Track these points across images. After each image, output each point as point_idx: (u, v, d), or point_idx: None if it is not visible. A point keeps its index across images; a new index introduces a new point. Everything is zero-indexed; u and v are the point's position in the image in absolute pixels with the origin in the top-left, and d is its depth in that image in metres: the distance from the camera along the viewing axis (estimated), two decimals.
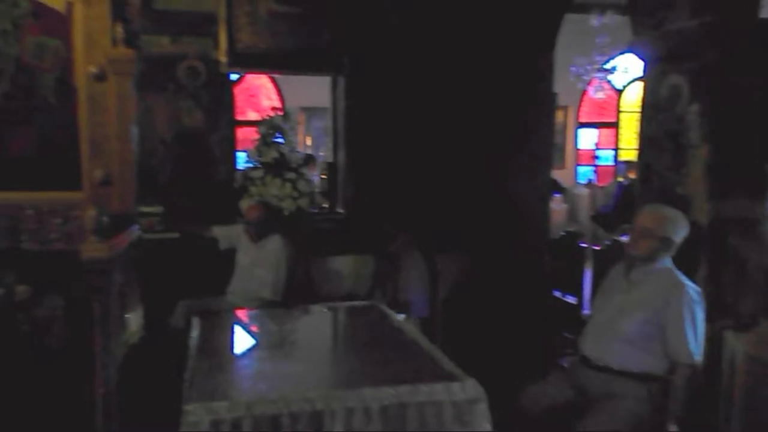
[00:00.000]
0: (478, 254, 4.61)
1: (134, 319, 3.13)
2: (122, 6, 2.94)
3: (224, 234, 4.34)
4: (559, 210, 6.98)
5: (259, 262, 4.15)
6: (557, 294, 4.35)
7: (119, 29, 2.91)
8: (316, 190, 5.37)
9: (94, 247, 2.51)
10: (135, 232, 3.10)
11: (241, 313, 3.67)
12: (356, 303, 3.66)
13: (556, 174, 7.07)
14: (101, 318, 2.58)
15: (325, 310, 3.60)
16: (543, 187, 5.06)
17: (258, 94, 6.96)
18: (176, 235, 4.33)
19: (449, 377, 2.31)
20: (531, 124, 4.87)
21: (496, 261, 4.69)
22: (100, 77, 2.93)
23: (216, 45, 4.58)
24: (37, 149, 3.02)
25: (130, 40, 2.94)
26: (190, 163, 4.74)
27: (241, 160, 5.23)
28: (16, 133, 2.98)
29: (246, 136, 5.91)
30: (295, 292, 4.19)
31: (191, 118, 4.71)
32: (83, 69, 2.94)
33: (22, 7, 2.91)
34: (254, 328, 3.38)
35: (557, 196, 6.98)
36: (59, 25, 2.96)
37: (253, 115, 6.62)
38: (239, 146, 5.08)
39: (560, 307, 4.27)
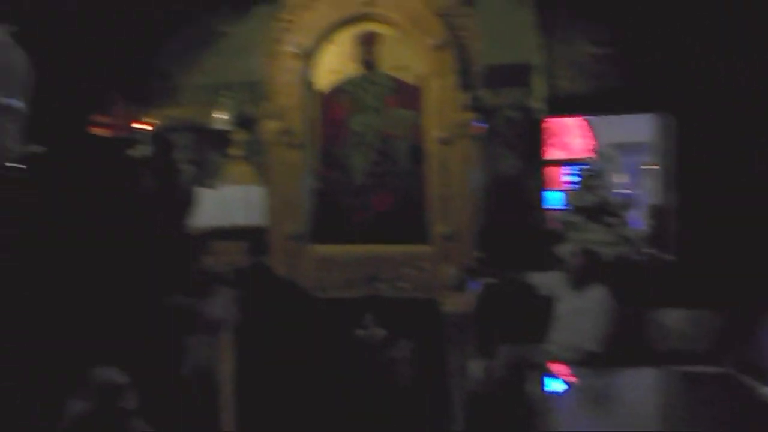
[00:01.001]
0: None
1: (474, 367, 3.36)
2: (468, 74, 3.24)
3: (543, 280, 4.40)
4: None
5: (581, 311, 4.11)
6: None
7: (465, 97, 3.21)
8: (640, 235, 5.13)
9: (453, 302, 2.78)
10: (479, 285, 3.35)
11: (568, 369, 3.66)
12: (703, 369, 3.36)
13: None
14: (456, 367, 2.82)
15: (663, 373, 3.38)
16: None
17: (564, 133, 6.99)
18: (495, 280, 4.53)
19: None
20: None
21: None
22: (448, 141, 3.27)
23: (532, 93, 4.74)
24: (392, 207, 3.48)
25: (475, 105, 3.22)
26: (506, 209, 4.94)
27: (551, 200, 5.27)
28: (377, 193, 3.48)
29: (552, 175, 5.95)
30: (621, 346, 4.04)
31: (506, 165, 4.93)
32: (433, 134, 3.32)
33: (385, 85, 3.43)
34: (584, 386, 3.34)
35: None
36: (413, 97, 3.40)
37: (558, 154, 6.69)
38: (547, 186, 5.14)
39: None
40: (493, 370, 3.97)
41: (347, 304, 3.56)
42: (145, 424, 0.79)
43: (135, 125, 5.33)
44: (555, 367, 3.61)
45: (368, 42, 3.41)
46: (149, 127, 5.36)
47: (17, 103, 0.92)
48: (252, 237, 4.34)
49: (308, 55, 3.44)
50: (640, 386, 3.30)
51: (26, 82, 0.95)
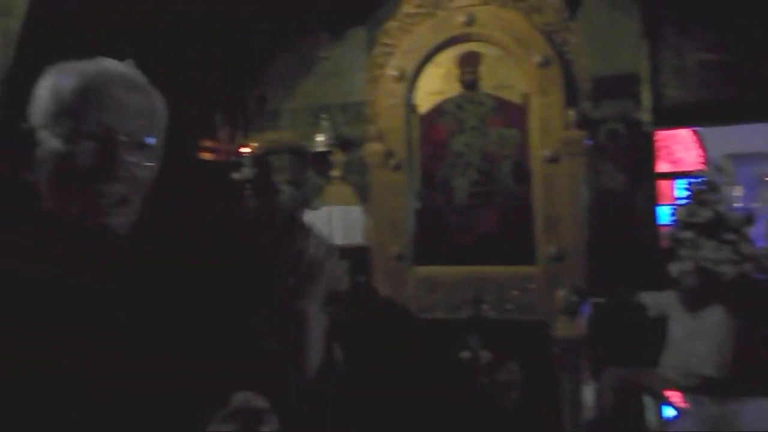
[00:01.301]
0: None
1: (586, 392, 3.26)
2: (574, 89, 3.17)
3: (654, 301, 4.20)
4: None
5: (698, 334, 3.88)
6: None
7: (571, 113, 3.14)
8: (763, 251, 4.81)
9: (565, 326, 2.71)
10: (590, 308, 3.25)
11: (682, 395, 3.47)
12: None
13: None
14: (567, 392, 2.74)
15: None
16: None
17: (675, 145, 6.66)
18: (601, 300, 4.38)
19: None
20: None
21: None
22: (554, 159, 3.20)
23: (638, 105, 4.57)
24: (496, 227, 3.45)
25: (582, 122, 3.15)
26: (612, 226, 4.77)
27: (662, 216, 5.03)
28: (480, 214, 3.46)
29: (663, 190, 5.68)
30: (743, 372, 3.78)
31: (614, 181, 4.76)
32: (538, 153, 3.27)
33: (487, 105, 3.41)
34: (700, 414, 3.15)
35: None
36: (516, 115, 3.37)
37: (665, 167, 6.39)
38: (658, 202, 4.92)
39: None
40: (605, 396, 3.82)
41: (451, 326, 3.55)
42: None
43: (238, 149, 5.59)
44: (669, 393, 3.44)
45: (469, 62, 3.41)
46: (250, 151, 5.60)
47: (154, 141, 0.98)
48: (352, 257, 4.43)
49: (409, 78, 3.49)
50: (765, 417, 3.08)
51: (163, 120, 1.01)
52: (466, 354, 3.52)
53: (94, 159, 0.91)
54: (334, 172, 4.87)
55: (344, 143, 5.15)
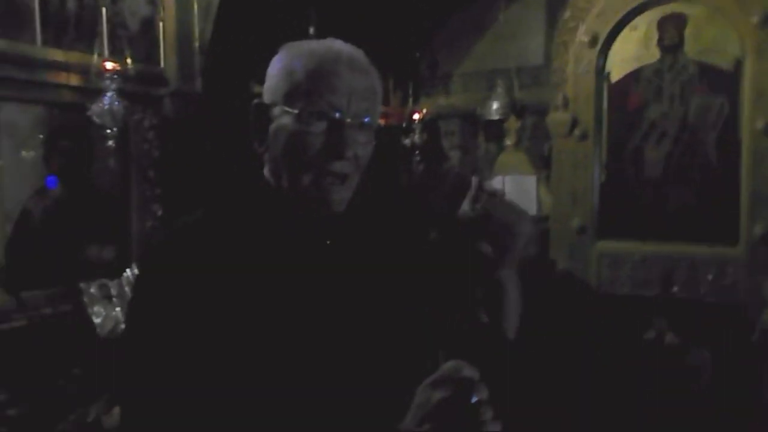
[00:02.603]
0: None
1: None
2: None
3: None
4: None
5: None
6: None
7: None
8: None
9: None
10: None
11: None
12: None
13: None
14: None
15: None
16: None
17: None
18: None
19: None
20: None
21: None
22: None
23: None
24: (694, 203, 3.27)
25: None
26: None
27: None
28: (676, 188, 3.30)
29: None
30: None
31: None
32: (750, 124, 3.03)
33: (690, 71, 3.21)
34: None
35: None
36: (724, 82, 3.14)
37: None
38: None
39: None
40: None
41: (636, 304, 3.47)
42: (492, 413, 0.87)
43: (410, 114, 5.73)
44: None
45: (672, 24, 3.21)
46: (420, 116, 5.72)
47: (374, 122, 1.04)
48: None
49: (602, 43, 3.37)
50: None
51: (380, 101, 1.07)
52: (650, 334, 3.42)
53: (324, 139, 0.97)
54: (508, 140, 4.86)
55: (519, 109, 5.09)
